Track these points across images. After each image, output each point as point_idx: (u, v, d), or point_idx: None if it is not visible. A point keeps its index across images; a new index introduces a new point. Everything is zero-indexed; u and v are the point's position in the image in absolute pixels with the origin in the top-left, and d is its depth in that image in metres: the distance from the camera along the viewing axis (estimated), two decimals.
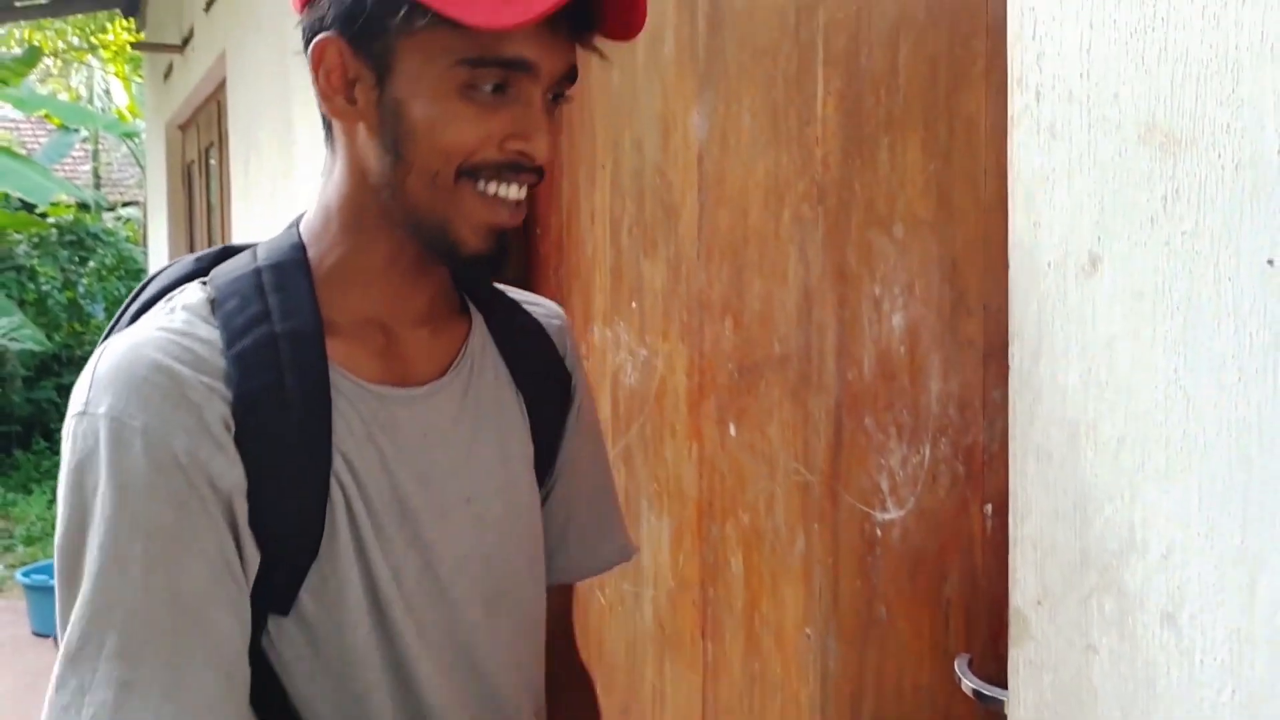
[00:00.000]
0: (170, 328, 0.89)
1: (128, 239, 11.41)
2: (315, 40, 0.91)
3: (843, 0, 1.28)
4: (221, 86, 4.62)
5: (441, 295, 1.04)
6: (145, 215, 10.35)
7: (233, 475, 0.87)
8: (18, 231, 10.88)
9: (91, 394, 0.86)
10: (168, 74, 5.92)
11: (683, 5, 1.60)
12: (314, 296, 0.95)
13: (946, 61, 1.14)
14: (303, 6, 0.94)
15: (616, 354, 1.85)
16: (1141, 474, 0.78)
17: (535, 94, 0.90)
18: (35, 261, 10.65)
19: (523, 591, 1.05)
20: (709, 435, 1.58)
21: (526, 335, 1.11)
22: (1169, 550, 0.76)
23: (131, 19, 7.37)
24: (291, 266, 0.96)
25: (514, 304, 1.13)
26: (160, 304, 0.94)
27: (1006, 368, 0.89)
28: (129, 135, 12.23)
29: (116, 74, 13.76)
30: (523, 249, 2.19)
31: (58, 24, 11.53)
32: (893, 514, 1.24)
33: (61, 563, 0.85)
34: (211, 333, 0.90)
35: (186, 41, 5.16)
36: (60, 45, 12.98)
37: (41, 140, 13.40)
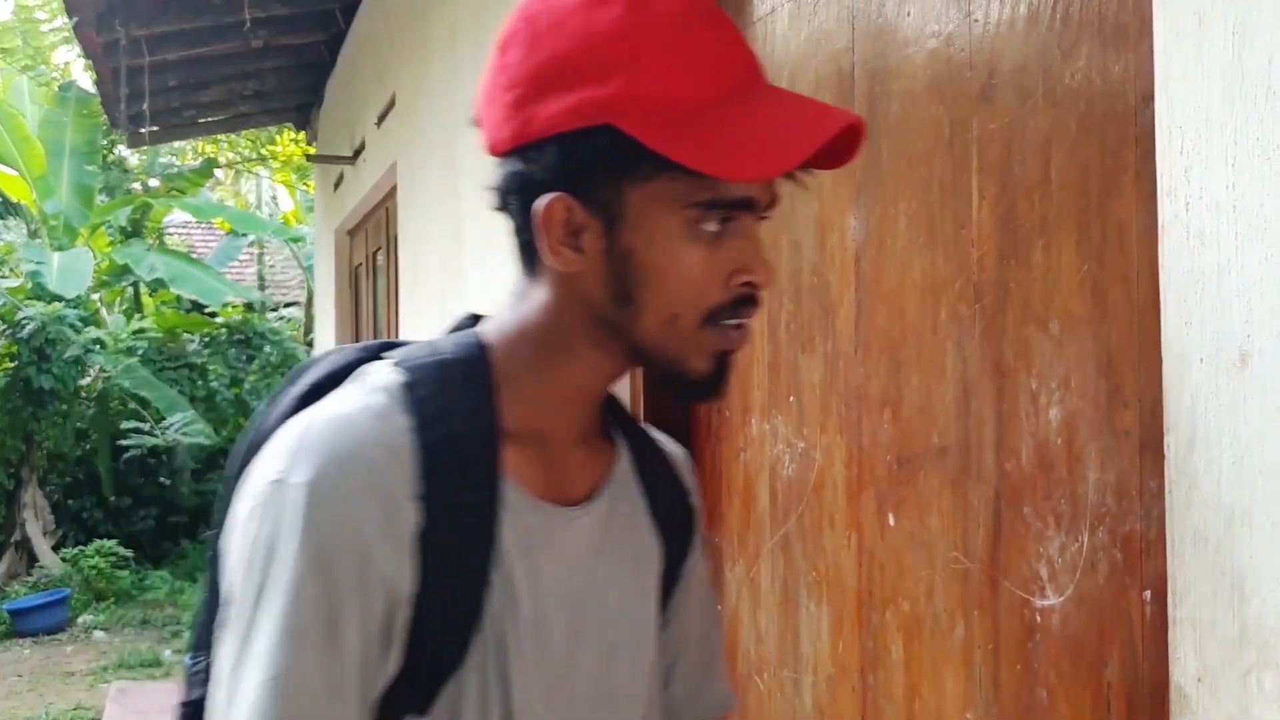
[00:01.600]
0: (372, 408, 0.90)
1: (290, 337, 11.93)
2: (544, 202, 0.91)
3: (995, 112, 1.37)
4: (391, 194, 4.89)
5: (598, 416, 1.05)
6: (308, 315, 10.83)
7: (404, 579, 0.88)
8: (190, 331, 11.50)
9: (290, 463, 0.87)
10: (338, 183, 6.27)
11: None
12: (495, 401, 0.95)
13: (1097, 170, 1.22)
14: (506, 152, 0.94)
15: (774, 446, 1.92)
16: None
17: (754, 226, 0.93)
18: (205, 359, 11.22)
19: None
20: (868, 525, 1.64)
21: (661, 466, 1.12)
22: None
23: (302, 132, 7.82)
24: (477, 367, 0.96)
25: (647, 433, 1.13)
26: (354, 382, 0.95)
27: (1162, 458, 0.95)
28: (294, 240, 12.84)
29: (283, 182, 14.50)
30: None
31: (230, 136, 12.24)
32: (1052, 600, 1.29)
33: (230, 620, 0.87)
34: (405, 421, 0.90)
35: (358, 153, 5.48)
36: (233, 156, 13.75)
37: (211, 244, 14.17)
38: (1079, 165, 1.24)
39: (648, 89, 0.88)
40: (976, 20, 1.40)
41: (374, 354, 1.01)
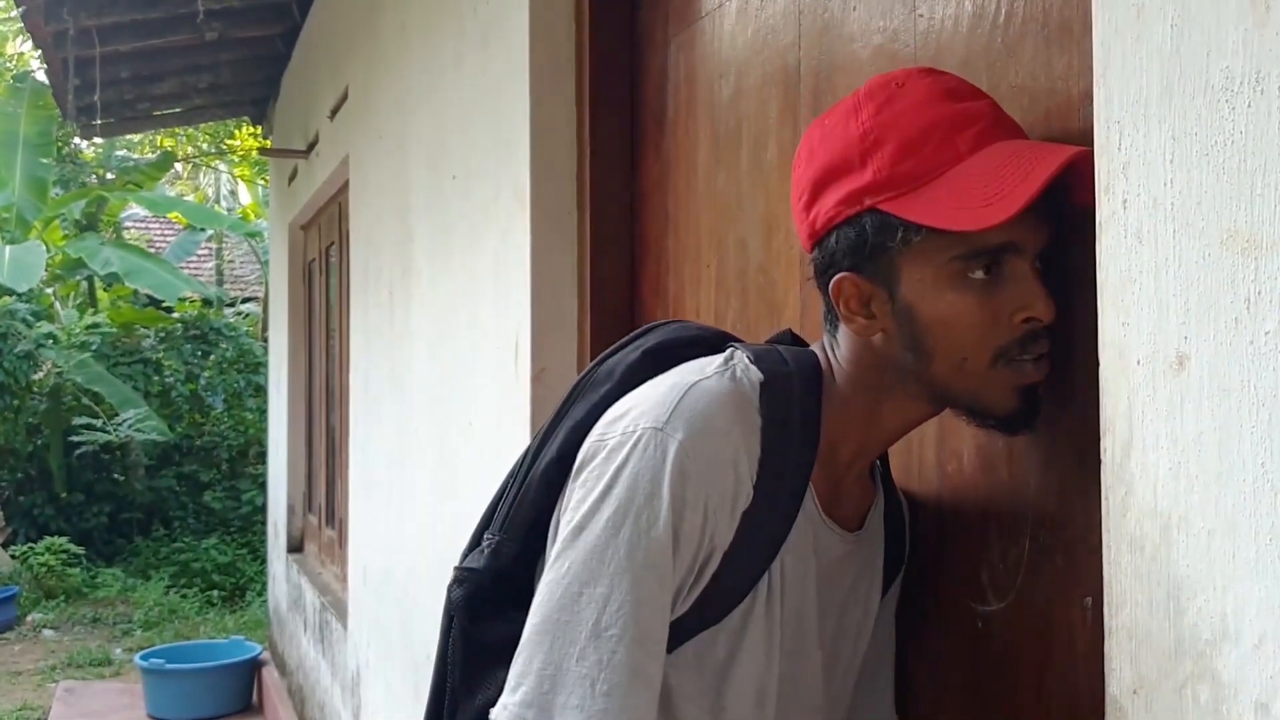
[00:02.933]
0: (740, 395, 1.09)
1: (248, 333, 11.83)
2: (835, 279, 1.10)
3: None
4: (344, 189, 4.84)
5: (874, 461, 1.24)
6: (265, 310, 10.74)
7: (726, 539, 1.07)
8: (146, 326, 11.37)
9: (672, 417, 1.05)
10: (292, 177, 6.20)
11: (785, 113, 1.68)
12: (820, 419, 1.13)
13: None
14: (812, 246, 1.13)
15: None
16: (1233, 565, 0.80)
17: (1024, 267, 1.05)
18: (161, 355, 11.10)
19: None
20: None
21: (897, 512, 1.30)
22: (1261, 640, 0.78)
23: (259, 126, 7.73)
24: (814, 385, 1.14)
25: (892, 479, 1.30)
26: (719, 361, 1.13)
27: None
28: (252, 235, 12.73)
29: (242, 177, 14.37)
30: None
31: (189, 130, 12.11)
32: (994, 606, 1.26)
33: (573, 540, 1.04)
34: (757, 416, 1.09)
35: (311, 147, 5.41)
36: (190, 150, 13.61)
37: (169, 239, 14.03)
38: None
39: (895, 168, 1.04)
40: (922, 16, 1.37)
41: (716, 337, 1.23)
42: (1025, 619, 1.22)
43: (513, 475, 1.23)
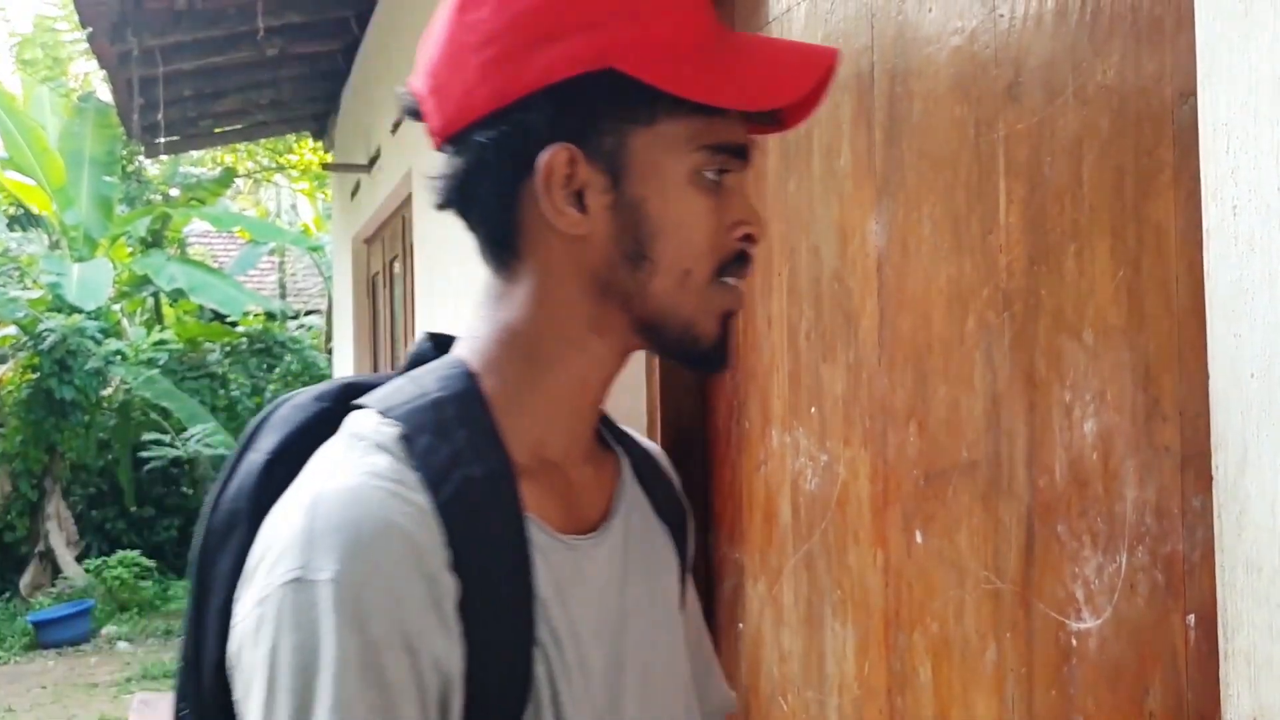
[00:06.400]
0: (380, 473, 0.79)
1: (312, 346, 11.95)
2: (546, 155, 0.84)
3: (1023, 112, 1.31)
4: (407, 203, 4.86)
5: (596, 427, 0.98)
6: (329, 323, 10.84)
7: (455, 657, 0.78)
8: (211, 341, 11.52)
9: (305, 555, 0.75)
10: (355, 192, 6.24)
11: (859, 118, 1.65)
12: (499, 434, 0.86)
13: (1132, 171, 1.15)
14: (478, 118, 0.86)
15: (796, 459, 1.87)
16: None
17: (745, 180, 0.90)
18: (226, 369, 11.24)
19: None
20: (894, 542, 1.58)
21: (654, 469, 1.06)
22: None
23: (320, 140, 7.80)
24: (471, 399, 0.86)
25: (632, 436, 1.06)
26: (342, 441, 0.84)
27: (1205, 475, 0.89)
28: (314, 248, 12.86)
29: (303, 191, 14.54)
30: None
31: (249, 145, 12.26)
32: (1089, 623, 1.22)
33: None
34: (414, 478, 0.80)
35: (373, 161, 5.45)
36: (251, 165, 13.78)
37: (232, 253, 14.21)
38: (1113, 166, 1.18)
39: (645, 31, 0.84)
40: (1002, 15, 1.33)
41: (337, 399, 0.91)
42: (1123, 637, 1.18)
43: (185, 618, 0.91)
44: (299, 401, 0.92)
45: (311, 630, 0.74)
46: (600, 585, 0.91)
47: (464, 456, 0.82)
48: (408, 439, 0.81)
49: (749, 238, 0.89)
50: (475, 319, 0.92)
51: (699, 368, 0.93)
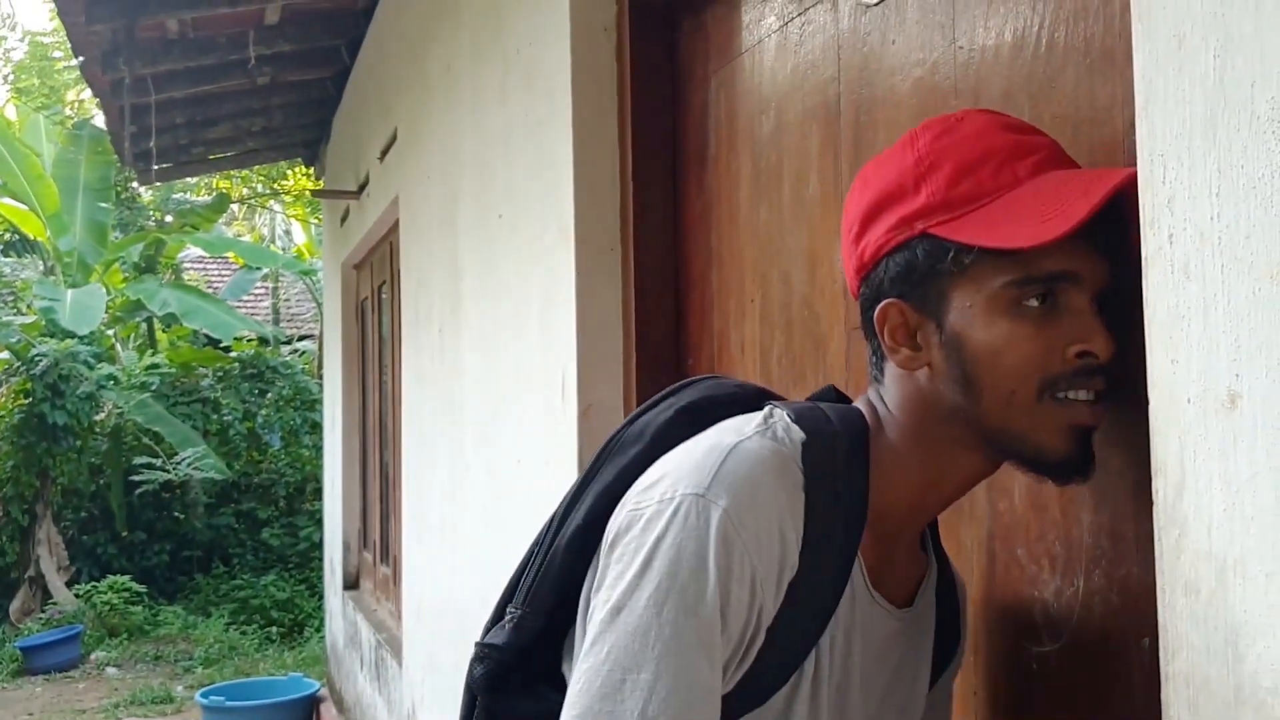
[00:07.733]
0: (782, 455, 1.01)
1: (304, 371, 11.95)
2: (879, 306, 1.05)
3: None
4: (394, 228, 4.88)
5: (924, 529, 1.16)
6: (320, 348, 10.85)
7: (771, 614, 0.99)
8: (204, 366, 11.52)
9: (714, 482, 0.97)
10: (344, 218, 6.27)
11: (826, 147, 1.67)
12: (868, 482, 1.05)
13: None
14: (859, 284, 1.09)
15: None
16: None
17: (1081, 300, 0.99)
18: (219, 394, 11.23)
19: None
20: None
21: (950, 589, 1.22)
22: None
23: (311, 167, 7.83)
24: (859, 445, 1.06)
25: (944, 553, 1.23)
26: (759, 419, 1.05)
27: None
28: (307, 273, 12.88)
29: (296, 217, 14.56)
30: (679, 378, 2.25)
31: (243, 172, 12.30)
32: (1048, 646, 1.23)
33: (611, 621, 0.95)
34: (799, 478, 1.01)
35: (363, 188, 5.47)
36: (245, 191, 13.81)
37: (226, 278, 14.22)
38: None
39: (950, 191, 1.00)
40: (961, 47, 1.36)
41: (754, 394, 1.16)
42: (1081, 660, 1.19)
43: (537, 544, 1.14)
44: (723, 380, 1.20)
45: (696, 536, 0.95)
46: (882, 650, 1.12)
47: (839, 481, 1.03)
48: (807, 446, 1.03)
49: (1084, 354, 0.99)
50: (869, 386, 1.12)
51: (1053, 479, 1.06)
